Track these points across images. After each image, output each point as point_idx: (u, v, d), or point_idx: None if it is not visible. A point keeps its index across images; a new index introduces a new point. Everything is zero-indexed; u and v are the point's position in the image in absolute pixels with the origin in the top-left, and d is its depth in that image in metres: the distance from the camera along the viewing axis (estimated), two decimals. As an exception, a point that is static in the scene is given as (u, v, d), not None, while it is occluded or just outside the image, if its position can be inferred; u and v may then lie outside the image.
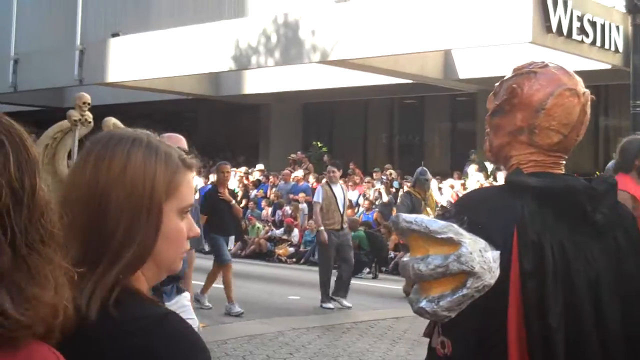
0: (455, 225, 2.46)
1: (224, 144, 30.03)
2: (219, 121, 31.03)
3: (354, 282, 13.90)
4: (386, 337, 10.60)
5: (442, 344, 2.54)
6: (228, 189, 13.42)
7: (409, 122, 28.75)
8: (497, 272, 2.39)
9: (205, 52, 22.50)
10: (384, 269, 18.58)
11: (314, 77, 23.91)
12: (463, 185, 21.00)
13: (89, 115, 8.33)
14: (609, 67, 18.52)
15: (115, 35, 26.18)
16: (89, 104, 8.43)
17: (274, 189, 24.33)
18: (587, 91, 2.67)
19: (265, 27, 21.56)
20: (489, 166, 21.30)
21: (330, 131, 29.97)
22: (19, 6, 30.75)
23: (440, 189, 21.32)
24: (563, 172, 2.64)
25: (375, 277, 18.00)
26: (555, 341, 2.42)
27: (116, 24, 29.09)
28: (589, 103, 2.66)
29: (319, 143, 27.96)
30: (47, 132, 8.52)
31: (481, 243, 2.41)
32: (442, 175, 22.58)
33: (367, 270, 18.34)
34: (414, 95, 26.68)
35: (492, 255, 2.40)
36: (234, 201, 13.24)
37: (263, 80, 25.53)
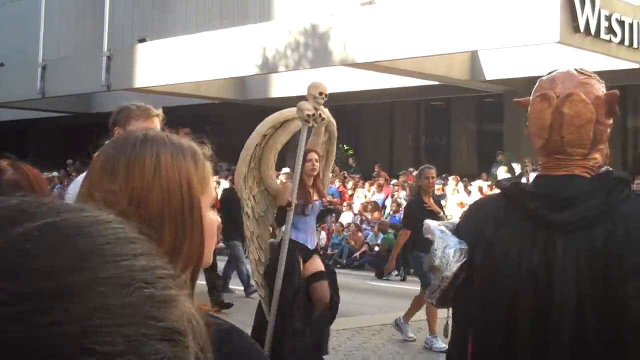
0: (434, 226, 2.92)
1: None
2: (246, 125, 30.96)
3: (382, 284, 13.88)
4: (416, 339, 10.56)
5: (445, 329, 3.11)
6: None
7: (436, 123, 28.68)
8: (454, 266, 2.75)
9: (231, 57, 22.56)
10: (412, 271, 18.53)
11: (340, 80, 23.89)
12: (491, 187, 20.91)
13: (324, 111, 7.29)
14: (637, 66, 18.37)
15: (142, 40, 26.32)
16: (325, 95, 7.39)
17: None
18: (571, 92, 2.75)
19: (291, 30, 21.59)
20: (517, 167, 21.20)
21: (356, 133, 29.94)
22: (47, 13, 30.98)
23: (468, 191, 21.25)
24: (569, 172, 2.71)
25: (403, 279, 17.96)
26: (490, 334, 2.65)
27: (143, 29, 29.25)
28: (572, 100, 2.71)
29: (345, 146, 27.96)
30: (259, 127, 7.62)
31: (450, 241, 2.79)
32: (469, 177, 22.50)
33: (396, 272, 18.31)
34: (441, 97, 26.61)
35: (453, 251, 2.76)
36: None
37: (289, 83, 25.55)
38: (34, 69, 29.56)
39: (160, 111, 4.46)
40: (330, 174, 10.19)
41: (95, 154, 1.67)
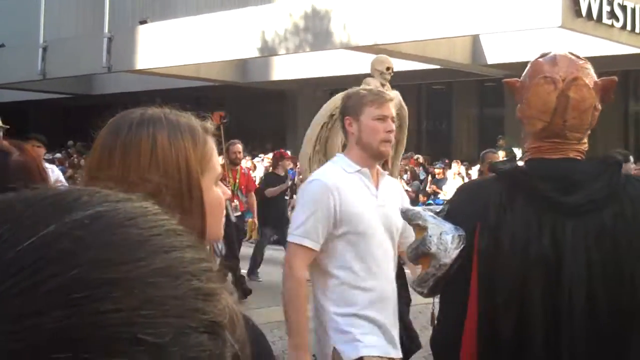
0: (424, 212, 2.82)
1: (251, 130, 30.07)
2: (246, 107, 31.06)
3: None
4: (422, 317, 10.56)
5: (432, 317, 2.98)
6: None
7: (437, 107, 28.63)
8: (453, 252, 2.67)
9: (232, 39, 22.50)
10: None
11: (340, 63, 23.83)
12: (486, 170, 20.88)
13: (389, 89, 6.37)
14: (639, 51, 18.31)
15: (143, 22, 26.24)
16: (392, 70, 6.57)
17: (300, 176, 24.27)
18: (576, 75, 2.74)
19: (291, 13, 21.52)
20: (518, 152, 21.18)
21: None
22: (48, -7, 30.89)
23: (469, 175, 21.23)
24: (565, 156, 2.72)
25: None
26: (500, 321, 2.60)
27: (144, 11, 29.17)
28: (577, 85, 2.71)
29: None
30: (325, 105, 7.01)
31: (445, 227, 2.71)
32: (470, 162, 22.47)
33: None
34: (442, 80, 26.55)
35: (451, 237, 2.68)
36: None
37: (290, 66, 25.50)
38: (34, 50, 29.48)
39: (395, 94, 4.01)
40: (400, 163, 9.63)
41: (95, 138, 1.65)
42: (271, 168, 15.54)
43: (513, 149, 21.24)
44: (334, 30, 20.39)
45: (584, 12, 16.45)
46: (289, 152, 21.04)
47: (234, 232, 12.10)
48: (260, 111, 30.50)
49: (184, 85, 27.95)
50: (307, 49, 21.68)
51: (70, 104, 34.34)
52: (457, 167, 21.66)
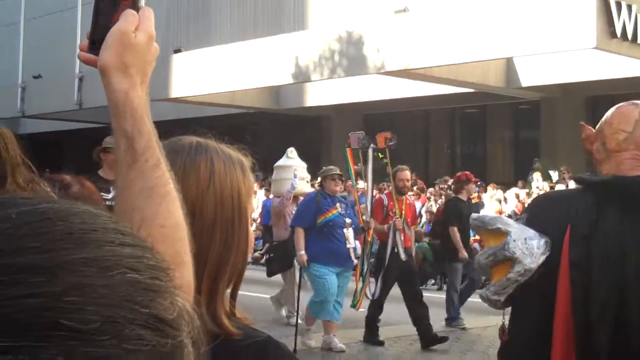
0: (504, 218, 2.81)
1: (285, 157, 30.14)
2: (281, 134, 31.14)
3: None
4: (455, 349, 10.49)
5: (502, 329, 2.82)
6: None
7: (471, 131, 28.54)
8: (540, 258, 2.60)
9: (266, 66, 22.63)
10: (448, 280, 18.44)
11: (374, 88, 23.88)
12: (528, 194, 20.74)
13: None
14: (675, 71, 18.17)
15: (177, 51, 26.48)
16: None
17: (339, 202, 24.25)
18: None
19: (325, 39, 21.62)
20: (554, 175, 21.03)
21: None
22: (83, 24, 31.27)
23: (505, 198, 21.09)
24: None
25: (440, 289, 17.87)
26: (596, 332, 2.54)
27: (178, 40, 29.44)
28: None
29: (379, 154, 27.90)
30: None
31: (529, 232, 2.64)
32: (506, 185, 22.35)
33: (432, 281, 18.27)
34: (476, 104, 26.47)
35: (538, 243, 2.61)
36: None
37: (324, 92, 25.58)
38: (71, 80, 29.86)
39: None
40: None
41: None
42: (453, 193, 13.18)
43: (549, 171, 21.10)
44: (367, 55, 20.44)
45: (618, 32, 16.35)
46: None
47: (394, 273, 10.52)
48: (295, 137, 30.56)
49: (218, 113, 28.13)
50: (340, 74, 21.74)
51: (106, 134, 34.61)
52: (492, 190, 21.54)
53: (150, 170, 1.24)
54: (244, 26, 28.05)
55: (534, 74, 21.05)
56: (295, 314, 10.67)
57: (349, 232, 10.03)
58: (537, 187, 20.35)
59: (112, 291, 0.63)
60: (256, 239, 23.70)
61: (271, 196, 13.34)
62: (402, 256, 10.37)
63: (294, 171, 12.02)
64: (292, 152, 12.61)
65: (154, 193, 1.23)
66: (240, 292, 1.65)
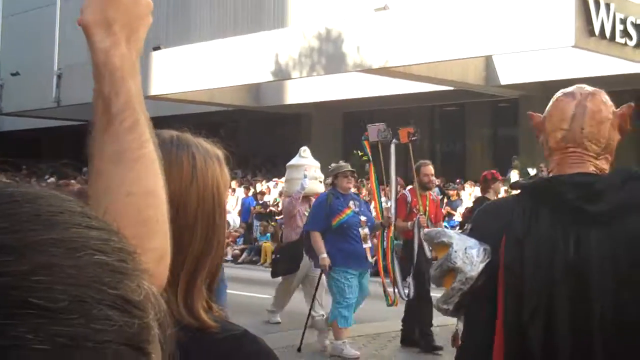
0: (447, 231, 2.93)
1: (265, 154, 30.14)
2: (260, 132, 31.15)
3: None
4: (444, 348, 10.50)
5: (454, 336, 2.96)
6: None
7: (450, 129, 28.63)
8: (479, 266, 2.70)
9: (246, 63, 22.61)
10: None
11: (354, 86, 23.91)
12: (507, 191, 20.82)
13: None
14: (653, 69, 18.30)
15: (156, 48, 26.40)
16: None
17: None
18: (594, 91, 2.83)
19: (304, 37, 21.62)
20: (532, 171, 21.11)
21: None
22: (62, 21, 31.15)
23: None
24: (585, 171, 2.75)
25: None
26: (527, 338, 2.61)
27: (157, 37, 29.35)
28: (594, 98, 2.80)
29: (359, 152, 27.94)
30: None
31: (469, 242, 2.73)
32: (485, 182, 22.41)
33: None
34: (455, 102, 26.57)
35: (477, 251, 2.71)
36: None
37: (303, 89, 25.59)
38: (49, 77, 29.72)
39: None
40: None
41: None
42: (480, 192, 12.95)
43: (528, 169, 21.19)
44: (347, 52, 20.46)
45: (597, 31, 16.45)
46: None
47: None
48: (275, 135, 30.57)
49: (198, 110, 28.09)
50: (320, 72, 21.75)
51: (84, 131, 34.41)
52: (470, 188, 21.62)
53: (125, 132, 1.18)
54: (224, 24, 28.01)
55: (513, 72, 21.13)
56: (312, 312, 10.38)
57: (366, 231, 9.77)
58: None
59: (80, 271, 0.64)
60: (237, 237, 23.70)
61: (284, 197, 12.76)
62: (428, 253, 9.75)
63: (304, 171, 11.65)
64: (304, 151, 12.21)
65: (125, 158, 1.17)
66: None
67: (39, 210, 0.67)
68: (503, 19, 17.32)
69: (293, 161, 12.19)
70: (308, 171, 11.60)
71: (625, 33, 17.10)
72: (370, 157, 10.82)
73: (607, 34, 16.70)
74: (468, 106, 27.12)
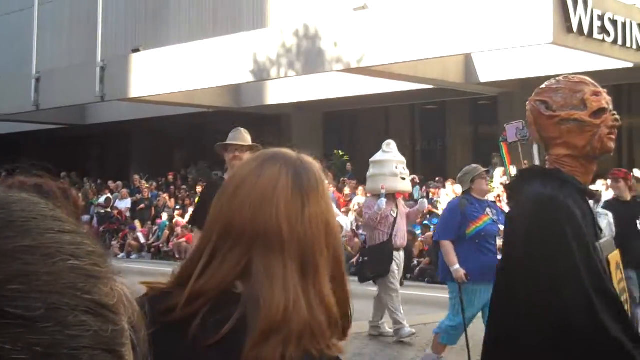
0: None
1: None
2: (241, 133, 31.06)
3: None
4: (415, 344, 10.54)
5: None
6: None
7: (431, 127, 28.69)
8: None
9: (225, 64, 22.56)
10: (409, 275, 18.48)
11: (334, 86, 23.90)
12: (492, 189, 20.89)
13: None
14: (631, 65, 18.38)
15: (135, 50, 26.31)
16: None
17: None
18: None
19: (284, 37, 21.59)
20: (513, 170, 21.17)
21: (351, 139, 29.95)
22: (40, 24, 30.95)
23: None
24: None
25: (401, 285, 17.92)
26: None
27: (136, 39, 29.26)
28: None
29: (340, 152, 27.94)
30: None
31: None
32: (466, 180, 22.46)
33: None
34: (435, 100, 26.61)
35: None
36: None
37: (283, 90, 25.56)
38: (27, 80, 29.53)
39: None
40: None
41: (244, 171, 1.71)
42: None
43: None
44: (326, 52, 20.45)
45: (575, 28, 16.51)
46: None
47: None
48: (256, 135, 30.47)
49: (178, 112, 28.02)
50: (300, 72, 21.73)
51: (64, 134, 34.33)
52: (451, 186, 21.67)
53: None
54: (203, 25, 27.93)
55: (492, 70, 21.19)
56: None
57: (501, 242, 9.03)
58: (501, 183, 20.47)
59: (55, 278, 0.64)
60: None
61: (368, 195, 12.22)
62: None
63: (394, 167, 11.01)
64: (388, 145, 11.52)
65: None
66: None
67: (12, 215, 0.67)
68: (481, 17, 17.36)
69: (377, 156, 11.53)
70: (397, 168, 11.01)
71: (603, 29, 17.18)
72: (507, 162, 9.86)
73: (585, 30, 16.77)
74: (448, 104, 27.19)
